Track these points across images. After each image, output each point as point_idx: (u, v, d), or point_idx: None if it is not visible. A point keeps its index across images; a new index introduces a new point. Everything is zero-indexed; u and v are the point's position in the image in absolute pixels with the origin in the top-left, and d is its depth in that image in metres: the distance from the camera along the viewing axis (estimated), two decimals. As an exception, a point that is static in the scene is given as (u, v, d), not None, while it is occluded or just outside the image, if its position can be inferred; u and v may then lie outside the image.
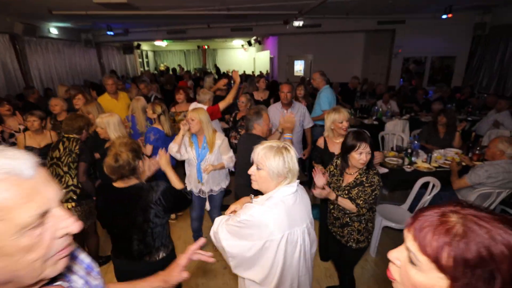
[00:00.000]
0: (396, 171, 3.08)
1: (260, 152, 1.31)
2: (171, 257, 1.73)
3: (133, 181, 1.58)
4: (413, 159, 3.25)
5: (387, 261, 0.65)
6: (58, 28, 7.78)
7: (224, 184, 2.76)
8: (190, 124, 2.46)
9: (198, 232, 3.00)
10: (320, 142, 2.60)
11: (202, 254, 1.05)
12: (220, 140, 2.55)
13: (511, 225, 0.53)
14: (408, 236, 0.61)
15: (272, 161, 1.27)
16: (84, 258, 0.77)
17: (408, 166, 3.12)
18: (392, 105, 5.63)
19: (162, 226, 1.64)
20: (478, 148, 3.26)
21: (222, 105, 3.23)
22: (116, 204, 1.58)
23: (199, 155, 2.56)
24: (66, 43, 8.40)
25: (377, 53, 8.99)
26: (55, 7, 5.41)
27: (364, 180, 1.85)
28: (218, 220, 1.45)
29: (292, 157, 1.30)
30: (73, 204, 2.39)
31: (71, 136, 2.46)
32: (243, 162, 2.41)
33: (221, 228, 1.37)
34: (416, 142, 3.45)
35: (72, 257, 0.71)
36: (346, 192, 1.90)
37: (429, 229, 0.57)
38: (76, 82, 8.73)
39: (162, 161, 1.81)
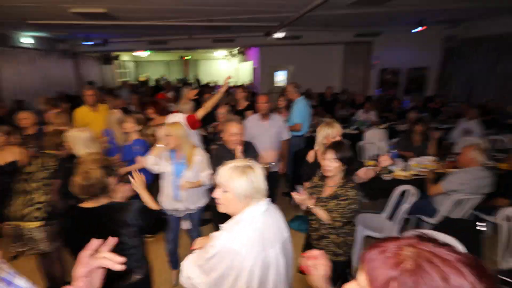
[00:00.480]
0: (375, 180, 3.13)
1: (224, 174, 1.25)
2: (147, 279, 1.64)
3: (103, 200, 1.49)
4: (391, 167, 3.34)
5: None
6: (33, 37, 7.52)
7: (202, 202, 2.58)
8: (166, 141, 2.32)
9: (173, 255, 2.74)
10: (311, 155, 2.53)
11: None
12: (200, 156, 2.41)
13: (471, 266, 0.48)
14: (360, 269, 0.58)
15: (237, 182, 1.22)
16: (22, 283, 0.79)
17: (387, 175, 3.20)
18: (372, 114, 5.81)
19: (136, 248, 1.55)
20: (450, 155, 3.40)
21: (200, 113, 3.19)
22: (84, 226, 1.48)
23: (176, 170, 2.39)
24: (41, 53, 8.12)
25: (355, 64, 9.32)
26: (30, 16, 5.23)
27: (341, 193, 1.86)
28: (185, 264, 1.36)
29: (257, 176, 1.25)
30: (40, 223, 2.21)
31: (50, 152, 2.38)
32: None
33: (192, 270, 1.30)
34: (394, 151, 3.55)
35: (6, 282, 0.73)
36: (325, 204, 1.91)
37: (379, 261, 0.53)
38: (51, 93, 8.43)
39: (136, 183, 1.74)
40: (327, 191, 1.96)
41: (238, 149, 2.32)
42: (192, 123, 3.22)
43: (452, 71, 8.51)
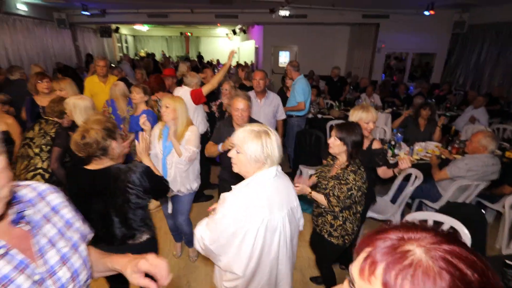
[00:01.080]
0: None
1: (239, 136, 1.29)
2: (154, 240, 1.66)
3: (107, 163, 1.48)
4: (395, 151, 3.29)
5: None
6: (27, 4, 7.17)
7: (194, 185, 2.42)
8: (163, 112, 2.17)
9: (175, 230, 2.67)
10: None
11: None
12: (191, 132, 2.26)
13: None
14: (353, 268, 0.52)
15: (250, 145, 1.25)
16: (66, 213, 0.85)
17: (391, 158, 3.16)
18: (376, 98, 5.71)
19: (143, 208, 1.55)
20: (457, 142, 3.35)
21: (206, 89, 3.11)
22: (91, 188, 1.46)
23: (166, 147, 2.26)
24: (36, 21, 7.79)
25: (361, 47, 9.07)
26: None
27: (341, 176, 1.81)
28: (198, 227, 1.35)
29: (271, 142, 1.27)
30: None
31: (50, 118, 2.33)
32: (225, 153, 2.29)
33: (204, 231, 1.30)
34: (399, 134, 3.49)
35: (54, 210, 0.82)
36: (326, 182, 1.89)
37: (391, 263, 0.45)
38: (49, 64, 8.17)
39: (140, 146, 1.67)
40: (334, 171, 1.93)
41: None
42: (198, 98, 3.15)
43: (459, 58, 8.33)
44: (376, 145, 2.29)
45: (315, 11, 8.10)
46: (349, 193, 1.76)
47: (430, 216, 1.99)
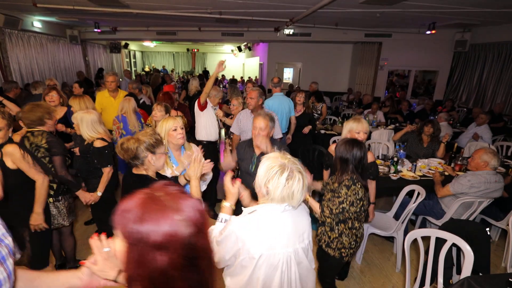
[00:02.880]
0: (382, 179, 3.12)
1: (264, 170, 1.23)
2: None
3: (140, 171, 1.62)
4: (398, 167, 3.31)
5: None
6: (42, 22, 7.51)
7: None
8: (178, 133, 2.09)
9: None
10: (332, 149, 2.49)
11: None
12: (195, 149, 2.23)
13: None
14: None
15: (271, 183, 1.19)
16: None
17: (394, 174, 3.17)
18: (379, 115, 5.77)
19: None
20: (460, 159, 3.36)
21: (202, 98, 3.25)
22: (128, 188, 1.62)
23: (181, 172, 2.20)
24: (50, 38, 8.12)
25: (363, 64, 9.24)
26: (40, 0, 5.22)
27: (336, 189, 1.83)
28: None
29: (295, 184, 1.20)
30: (50, 200, 2.23)
31: (35, 129, 2.22)
32: (244, 170, 2.31)
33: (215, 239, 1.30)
34: (402, 151, 3.52)
35: None
36: (326, 194, 1.93)
37: (119, 213, 0.66)
38: (59, 78, 8.43)
39: (191, 169, 1.67)
40: (334, 184, 1.95)
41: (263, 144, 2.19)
42: (199, 106, 3.34)
43: (462, 75, 8.43)
44: (369, 158, 2.32)
45: (319, 30, 8.33)
46: (341, 206, 1.77)
47: (433, 233, 1.98)
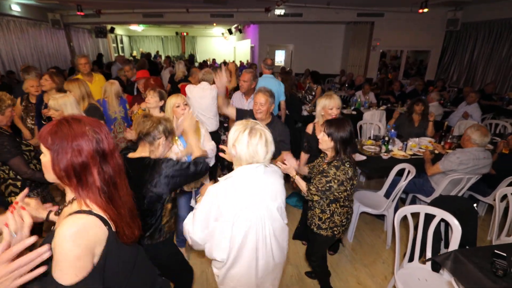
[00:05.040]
0: (374, 159, 3.14)
1: (232, 132, 1.36)
2: (168, 245, 1.71)
3: (144, 153, 1.57)
4: (389, 147, 3.33)
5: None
6: (21, 5, 7.14)
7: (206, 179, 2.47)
8: (182, 112, 2.15)
9: (182, 235, 2.48)
10: (309, 128, 2.55)
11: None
12: (203, 129, 2.35)
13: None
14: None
15: (239, 143, 1.31)
16: None
17: (385, 154, 3.19)
18: (371, 96, 5.75)
19: (159, 206, 1.56)
20: (450, 137, 3.40)
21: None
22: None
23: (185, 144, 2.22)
24: (30, 22, 7.76)
25: (356, 45, 9.12)
26: (16, -20, 4.93)
27: (325, 169, 1.83)
28: (186, 223, 1.42)
29: (258, 141, 1.31)
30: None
31: None
32: None
33: (190, 225, 1.37)
34: (392, 130, 3.53)
35: None
36: (314, 177, 1.94)
37: (46, 127, 0.88)
38: (43, 65, 8.13)
39: (185, 122, 1.72)
40: (322, 166, 1.95)
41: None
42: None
43: (453, 55, 8.41)
44: None
45: (311, 10, 8.14)
46: (328, 185, 1.78)
47: (422, 209, 2.01)
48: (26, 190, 1.04)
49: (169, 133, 1.62)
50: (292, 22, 9.13)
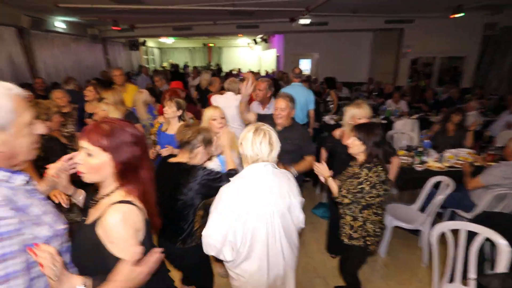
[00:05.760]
0: (407, 170, 3.00)
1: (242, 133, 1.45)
2: (200, 249, 1.70)
3: (183, 159, 1.64)
4: (423, 158, 3.16)
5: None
6: (65, 22, 7.77)
7: None
8: (216, 123, 2.13)
9: None
10: (337, 133, 2.55)
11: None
12: (236, 138, 2.34)
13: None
14: (82, 141, 0.98)
15: (244, 142, 1.41)
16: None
17: (419, 165, 3.04)
18: (402, 105, 5.53)
19: (192, 211, 1.62)
20: (492, 149, 3.16)
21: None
22: (159, 177, 1.61)
23: (223, 161, 2.10)
24: (72, 37, 8.40)
25: (384, 52, 8.87)
26: (61, 0, 5.38)
27: (357, 172, 1.82)
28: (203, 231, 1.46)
29: (261, 140, 1.38)
30: None
31: None
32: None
33: (206, 230, 1.39)
34: (426, 141, 3.35)
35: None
36: (345, 182, 1.88)
37: (92, 131, 0.97)
38: (82, 77, 8.73)
39: (223, 140, 1.79)
40: (354, 170, 1.90)
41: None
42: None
43: (491, 61, 7.90)
44: None
45: (336, 18, 8.07)
46: (359, 187, 1.74)
47: (463, 226, 1.87)
48: (59, 163, 1.19)
49: (208, 143, 1.68)
50: (317, 31, 9.10)
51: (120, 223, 0.93)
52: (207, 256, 1.86)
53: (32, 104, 2.12)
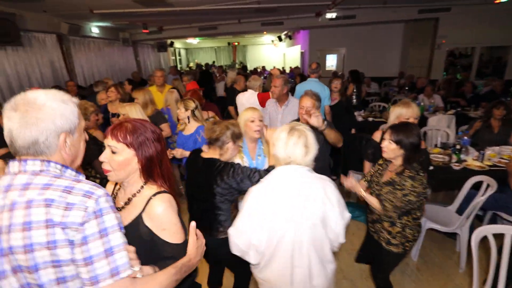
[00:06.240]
0: (442, 169, 2.81)
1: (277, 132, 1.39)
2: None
3: (214, 155, 1.66)
4: (462, 156, 2.94)
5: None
6: (99, 27, 8.22)
7: None
8: (256, 125, 1.97)
9: None
10: (377, 136, 2.35)
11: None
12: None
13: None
14: (107, 139, 1.04)
15: (277, 142, 1.34)
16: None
17: (456, 164, 2.83)
18: (437, 99, 5.20)
19: (228, 204, 1.64)
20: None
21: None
22: (194, 172, 1.69)
23: (258, 166, 2.02)
24: (106, 42, 8.87)
25: (417, 44, 8.37)
26: (96, 6, 5.69)
27: (397, 181, 1.67)
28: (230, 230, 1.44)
29: (294, 141, 1.30)
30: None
31: None
32: None
33: (232, 230, 1.37)
34: (465, 138, 3.12)
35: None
36: (379, 188, 1.77)
37: (117, 129, 1.04)
38: (115, 79, 9.20)
39: (269, 134, 1.82)
40: (387, 175, 1.80)
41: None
42: (265, 101, 3.27)
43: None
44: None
45: (365, 11, 7.75)
46: (406, 198, 1.61)
47: (509, 230, 1.72)
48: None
49: (237, 138, 1.69)
50: (344, 25, 8.81)
51: (167, 210, 1.03)
52: None
53: None
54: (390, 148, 1.68)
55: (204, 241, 1.13)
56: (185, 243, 1.07)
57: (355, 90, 5.37)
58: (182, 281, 1.04)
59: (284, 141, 1.28)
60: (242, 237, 1.32)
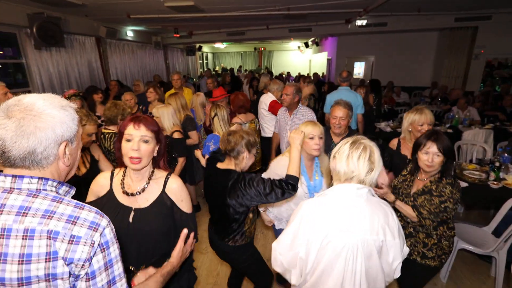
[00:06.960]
0: (478, 187, 2.64)
1: (339, 146, 1.28)
2: (249, 248, 1.78)
3: (230, 165, 1.66)
4: (501, 174, 2.75)
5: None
6: (134, 31, 8.64)
7: None
8: (315, 142, 1.82)
9: None
10: (393, 143, 2.32)
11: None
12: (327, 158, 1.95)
13: None
14: (138, 130, 1.20)
15: (337, 159, 1.25)
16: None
17: (495, 182, 2.65)
18: (473, 112, 4.91)
19: (242, 216, 1.64)
20: None
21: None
22: (209, 181, 1.73)
23: (312, 188, 1.90)
24: (139, 45, 9.30)
25: (452, 54, 7.97)
26: (133, 11, 6.00)
27: (434, 189, 1.60)
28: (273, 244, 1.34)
29: (357, 159, 1.17)
30: None
31: (109, 130, 2.43)
32: None
33: (276, 244, 1.29)
34: (506, 155, 2.92)
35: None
36: (412, 199, 1.69)
37: (142, 121, 1.21)
38: (146, 80, 9.59)
39: (296, 139, 1.62)
40: (418, 185, 1.72)
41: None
42: (273, 110, 3.29)
43: None
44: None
45: (397, 18, 7.53)
46: (443, 205, 1.56)
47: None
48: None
49: (252, 147, 1.67)
50: (374, 32, 8.61)
51: (182, 185, 1.32)
52: (257, 254, 1.87)
53: (111, 106, 2.48)
54: (437, 162, 1.57)
55: (189, 249, 1.22)
56: (192, 214, 1.34)
57: (375, 100, 5.22)
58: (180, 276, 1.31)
59: (347, 154, 1.16)
60: (285, 255, 1.22)
